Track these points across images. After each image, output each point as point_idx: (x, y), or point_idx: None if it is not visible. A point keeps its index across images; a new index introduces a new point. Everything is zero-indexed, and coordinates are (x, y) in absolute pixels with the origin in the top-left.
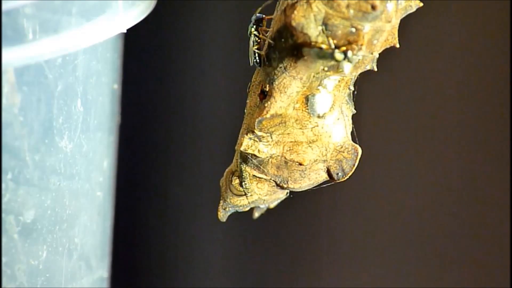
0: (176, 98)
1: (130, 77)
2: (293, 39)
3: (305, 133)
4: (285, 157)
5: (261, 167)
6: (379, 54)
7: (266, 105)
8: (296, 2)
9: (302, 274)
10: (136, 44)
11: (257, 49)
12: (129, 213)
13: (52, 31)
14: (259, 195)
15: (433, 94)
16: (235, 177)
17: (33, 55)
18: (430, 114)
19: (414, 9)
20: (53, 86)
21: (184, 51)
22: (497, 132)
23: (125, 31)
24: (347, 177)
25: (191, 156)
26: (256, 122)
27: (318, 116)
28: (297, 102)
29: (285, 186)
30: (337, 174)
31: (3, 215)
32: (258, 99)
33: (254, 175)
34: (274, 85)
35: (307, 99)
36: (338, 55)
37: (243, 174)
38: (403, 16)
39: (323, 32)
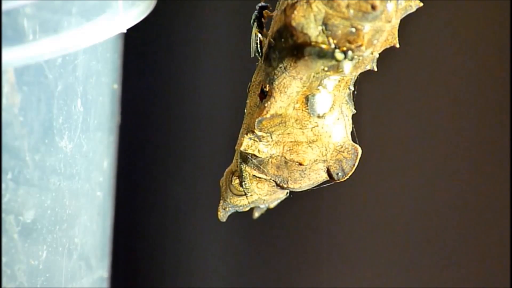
0: (176, 98)
1: (130, 77)
2: (293, 39)
3: (305, 133)
4: (285, 157)
5: (261, 167)
6: (379, 54)
7: (266, 105)
8: (296, 2)
9: (302, 274)
10: (136, 44)
11: (259, 40)
12: (129, 213)
13: (52, 31)
14: (259, 195)
15: (433, 94)
16: (235, 177)
17: (33, 55)
18: (430, 114)
19: (414, 9)
20: (53, 86)
21: (184, 51)
22: (497, 132)
23: (125, 31)
24: (347, 177)
25: (191, 156)
26: (256, 122)
27: (318, 116)
28: (297, 102)
29: (285, 186)
30: (337, 174)
31: (3, 215)
32: (258, 99)
33: (254, 175)
34: (274, 85)
35: (307, 99)
36: (339, 55)
37: (243, 174)
38: (403, 16)
39: (323, 32)
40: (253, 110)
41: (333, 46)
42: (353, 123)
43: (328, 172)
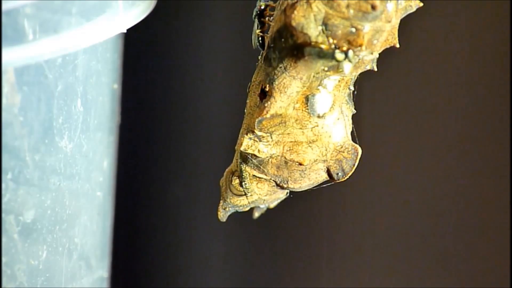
0: (176, 98)
1: (130, 77)
2: (293, 39)
3: (305, 133)
4: (285, 157)
5: (261, 167)
6: (379, 54)
7: (266, 105)
8: (296, 2)
9: (302, 274)
10: (136, 44)
11: (261, 32)
12: (129, 213)
13: (52, 31)
14: (259, 195)
15: (433, 94)
16: (235, 177)
17: (33, 55)
18: (430, 114)
19: (414, 9)
20: (53, 86)
21: (184, 51)
22: (497, 132)
23: (125, 31)
24: (347, 177)
25: (191, 156)
26: (256, 122)
27: (318, 116)
28: (297, 102)
29: (285, 186)
30: (337, 174)
31: (3, 215)
32: (258, 99)
33: (254, 175)
34: (274, 85)
35: (307, 99)
36: (339, 55)
37: (243, 174)
38: (403, 16)
39: (323, 32)
40: (253, 110)
41: (333, 46)
42: (353, 123)
43: (328, 172)
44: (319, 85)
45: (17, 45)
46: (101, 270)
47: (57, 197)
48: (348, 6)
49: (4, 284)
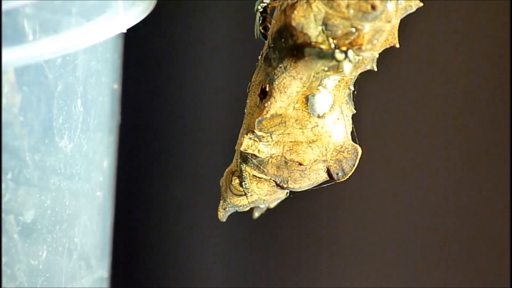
0: (176, 98)
1: (130, 77)
2: (293, 39)
3: (305, 133)
4: (285, 157)
5: (261, 167)
6: (379, 54)
7: (266, 105)
8: (296, 2)
9: (302, 274)
10: (136, 44)
11: (263, 27)
12: (129, 213)
13: (52, 31)
14: (259, 195)
15: (433, 94)
16: (235, 177)
17: (33, 55)
18: (430, 114)
19: (414, 9)
20: (53, 86)
21: (184, 51)
22: (497, 132)
23: (125, 31)
24: (347, 177)
25: (191, 156)
26: (256, 122)
27: (318, 116)
28: (297, 102)
29: (285, 186)
30: (337, 174)
31: (3, 215)
32: (258, 99)
33: (254, 175)
34: (274, 85)
35: (307, 99)
36: (339, 55)
37: (243, 174)
38: (403, 16)
39: (323, 32)
40: (253, 110)
41: (333, 46)
42: (353, 123)
43: (328, 172)
44: (319, 85)
45: (17, 45)
46: (101, 270)
47: (57, 197)
48: (348, 6)
49: (4, 284)
